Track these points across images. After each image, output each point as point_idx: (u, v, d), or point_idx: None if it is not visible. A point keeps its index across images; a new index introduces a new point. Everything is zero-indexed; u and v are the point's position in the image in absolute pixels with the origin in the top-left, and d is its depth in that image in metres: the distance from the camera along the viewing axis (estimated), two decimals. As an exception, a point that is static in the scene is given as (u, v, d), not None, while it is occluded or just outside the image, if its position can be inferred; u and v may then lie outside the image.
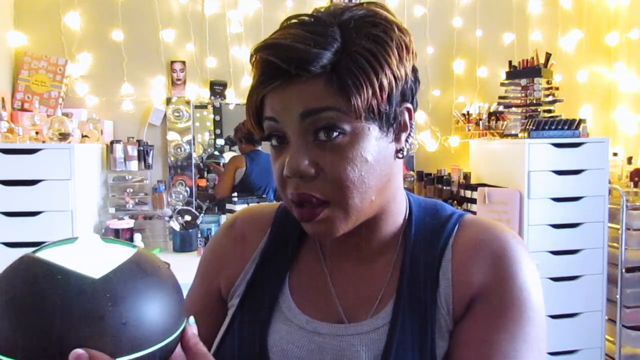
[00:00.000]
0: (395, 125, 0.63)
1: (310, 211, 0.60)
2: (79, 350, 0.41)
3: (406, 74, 0.62)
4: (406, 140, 0.65)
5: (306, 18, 0.60)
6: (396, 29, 0.61)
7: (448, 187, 2.83)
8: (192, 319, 0.50)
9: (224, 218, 2.70)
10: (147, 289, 0.46)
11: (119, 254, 0.47)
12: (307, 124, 0.59)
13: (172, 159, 2.77)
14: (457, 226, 0.69)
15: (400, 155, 0.65)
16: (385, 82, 0.58)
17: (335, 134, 0.58)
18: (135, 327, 0.44)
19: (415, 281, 0.66)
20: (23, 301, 0.42)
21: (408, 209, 0.72)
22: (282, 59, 0.57)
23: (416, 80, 0.65)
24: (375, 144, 0.60)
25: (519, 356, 0.60)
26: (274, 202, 0.85)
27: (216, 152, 2.94)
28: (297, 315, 0.69)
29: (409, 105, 0.64)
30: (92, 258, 0.46)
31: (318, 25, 0.59)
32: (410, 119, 0.65)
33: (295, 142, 0.60)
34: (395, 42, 0.60)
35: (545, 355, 0.63)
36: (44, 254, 0.46)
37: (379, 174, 0.61)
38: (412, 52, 0.63)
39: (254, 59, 0.61)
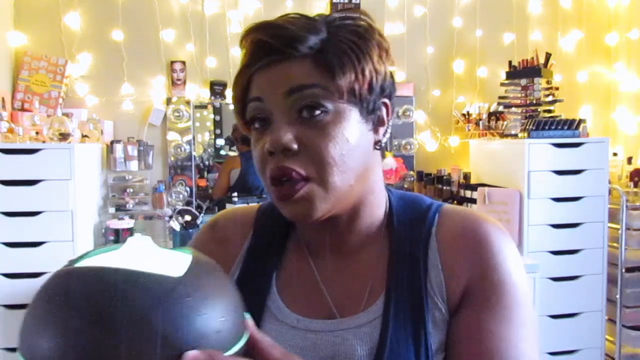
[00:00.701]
0: (374, 117, 0.66)
1: (289, 188, 0.61)
2: (194, 352, 0.39)
3: (385, 73, 0.65)
4: (384, 135, 0.68)
5: (295, 15, 0.64)
6: (377, 33, 0.65)
7: (448, 187, 2.83)
8: (247, 314, 0.50)
9: (224, 218, 2.69)
10: (224, 284, 0.45)
11: (176, 255, 0.45)
12: (291, 101, 0.61)
13: (172, 159, 2.76)
14: (437, 216, 0.71)
15: (378, 147, 0.67)
16: (366, 70, 0.62)
17: (318, 111, 0.61)
18: (230, 321, 0.43)
19: (404, 273, 0.67)
20: (113, 313, 0.38)
21: (388, 202, 0.73)
22: (272, 37, 0.61)
23: (393, 85, 0.68)
24: (356, 126, 0.63)
25: (517, 339, 0.62)
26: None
27: (222, 152, 2.93)
28: (287, 314, 0.69)
29: (387, 101, 0.67)
30: (155, 260, 0.44)
31: (306, 18, 0.63)
32: (388, 115, 0.68)
33: (280, 118, 0.62)
34: (375, 41, 0.64)
35: (536, 330, 0.66)
36: (94, 262, 0.42)
37: (359, 158, 0.63)
38: (391, 57, 0.66)
39: (244, 42, 0.64)
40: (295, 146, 0.60)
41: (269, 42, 0.61)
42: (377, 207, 0.71)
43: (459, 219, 0.70)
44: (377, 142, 0.67)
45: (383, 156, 0.71)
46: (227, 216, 0.81)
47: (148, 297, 0.39)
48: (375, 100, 0.65)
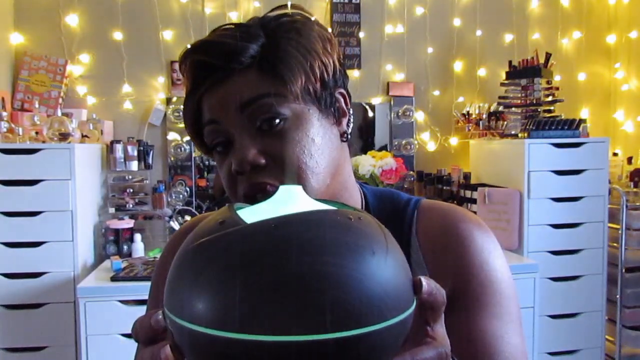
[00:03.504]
0: (334, 110, 0.64)
1: None
2: (426, 278, 0.39)
3: (334, 63, 0.63)
4: (347, 125, 0.66)
5: (228, 25, 0.62)
6: (315, 25, 0.63)
7: (448, 187, 2.83)
8: None
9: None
10: None
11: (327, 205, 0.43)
12: (247, 116, 0.59)
13: (172, 159, 2.76)
14: (416, 212, 0.70)
15: (344, 139, 0.66)
16: (315, 66, 0.60)
17: (277, 120, 0.59)
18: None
19: None
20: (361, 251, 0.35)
21: (364, 199, 0.72)
22: (211, 55, 0.58)
23: (345, 73, 0.67)
24: (318, 124, 0.61)
25: (509, 334, 0.63)
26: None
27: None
28: None
29: (342, 91, 0.66)
30: (317, 204, 0.42)
31: (241, 26, 0.61)
32: (347, 105, 0.66)
33: (239, 135, 0.59)
34: (316, 34, 0.62)
35: (521, 320, 0.67)
36: (255, 214, 0.38)
37: (329, 155, 0.62)
38: (335, 45, 0.64)
39: (183, 66, 0.61)
40: (262, 161, 0.58)
41: (209, 62, 0.59)
42: (352, 205, 0.68)
43: (439, 216, 0.69)
44: (343, 134, 0.65)
45: (356, 151, 0.70)
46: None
47: (373, 232, 0.37)
48: (331, 94, 0.63)
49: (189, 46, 0.61)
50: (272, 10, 0.64)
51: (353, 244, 0.35)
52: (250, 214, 0.38)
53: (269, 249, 0.33)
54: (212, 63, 0.59)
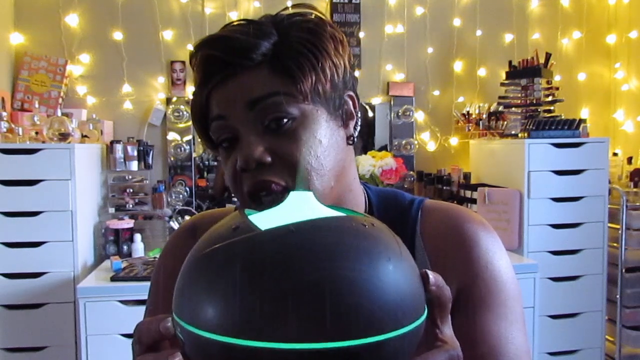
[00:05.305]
0: (342, 112, 0.64)
1: (271, 202, 0.58)
2: (432, 272, 0.39)
3: (344, 65, 0.63)
4: (354, 128, 0.66)
5: (241, 22, 0.62)
6: (328, 25, 0.63)
7: (448, 187, 2.83)
8: None
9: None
10: None
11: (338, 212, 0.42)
12: (255, 113, 0.58)
13: (172, 159, 2.76)
14: (419, 213, 0.70)
15: (351, 142, 0.66)
16: (326, 67, 0.60)
17: (285, 120, 0.58)
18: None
19: None
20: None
21: (367, 200, 0.72)
22: (222, 50, 0.58)
23: (354, 76, 0.66)
24: (326, 126, 0.61)
25: (514, 335, 0.63)
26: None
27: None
28: None
29: (351, 93, 0.65)
30: (329, 210, 0.41)
31: (253, 23, 0.61)
32: (355, 108, 0.66)
33: (246, 132, 0.59)
34: (328, 34, 0.61)
35: (525, 320, 0.67)
36: (266, 218, 0.37)
37: (335, 157, 0.61)
38: (347, 47, 0.64)
39: (194, 60, 0.61)
40: (268, 159, 0.58)
41: (220, 57, 0.58)
42: (356, 207, 0.69)
43: (443, 216, 0.69)
44: (349, 137, 0.65)
45: (357, 151, 0.70)
46: (205, 219, 0.76)
47: (391, 240, 0.37)
48: (340, 96, 0.63)
49: (191, 47, 0.61)
50: (285, 9, 0.64)
51: (369, 250, 0.35)
52: (262, 220, 0.37)
53: (287, 255, 0.33)
54: (222, 58, 0.58)
